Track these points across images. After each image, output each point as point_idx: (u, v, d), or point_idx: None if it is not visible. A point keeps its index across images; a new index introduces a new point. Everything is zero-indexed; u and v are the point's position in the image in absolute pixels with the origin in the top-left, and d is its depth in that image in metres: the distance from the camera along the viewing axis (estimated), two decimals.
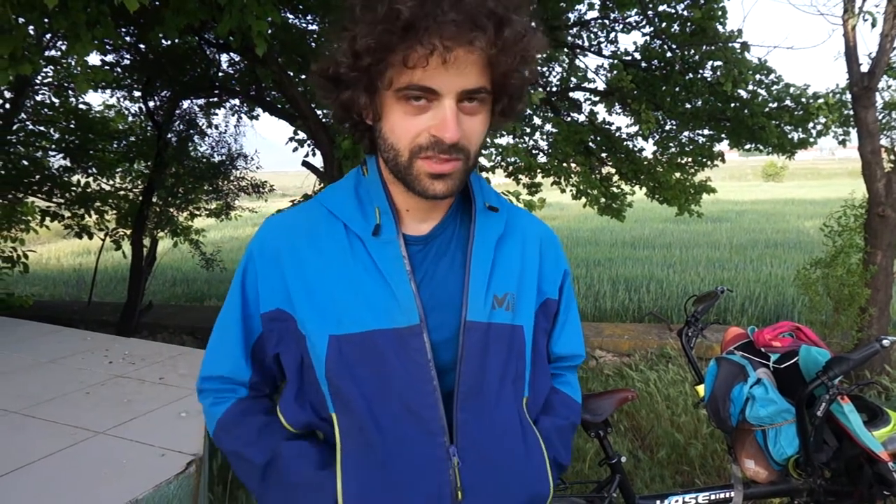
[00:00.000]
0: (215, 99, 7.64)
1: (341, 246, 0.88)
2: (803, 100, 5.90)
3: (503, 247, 0.94)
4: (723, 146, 7.27)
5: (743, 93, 5.93)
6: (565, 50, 6.89)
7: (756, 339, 2.18)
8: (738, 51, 5.53)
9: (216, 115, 8.16)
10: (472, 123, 0.82)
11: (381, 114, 0.82)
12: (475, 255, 0.90)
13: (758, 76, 5.87)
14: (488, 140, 5.73)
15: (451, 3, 0.72)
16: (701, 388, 2.21)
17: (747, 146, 6.71)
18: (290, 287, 0.88)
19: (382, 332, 0.84)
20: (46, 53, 5.86)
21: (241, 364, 0.95)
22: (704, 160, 7.33)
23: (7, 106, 6.28)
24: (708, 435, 3.49)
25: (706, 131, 7.05)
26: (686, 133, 7.26)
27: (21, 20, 2.66)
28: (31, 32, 2.90)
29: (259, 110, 7.86)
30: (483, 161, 5.73)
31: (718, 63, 5.84)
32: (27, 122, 7.03)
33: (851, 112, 4.83)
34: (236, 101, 7.83)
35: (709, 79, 6.11)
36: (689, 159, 7.39)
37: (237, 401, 0.97)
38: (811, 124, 6.05)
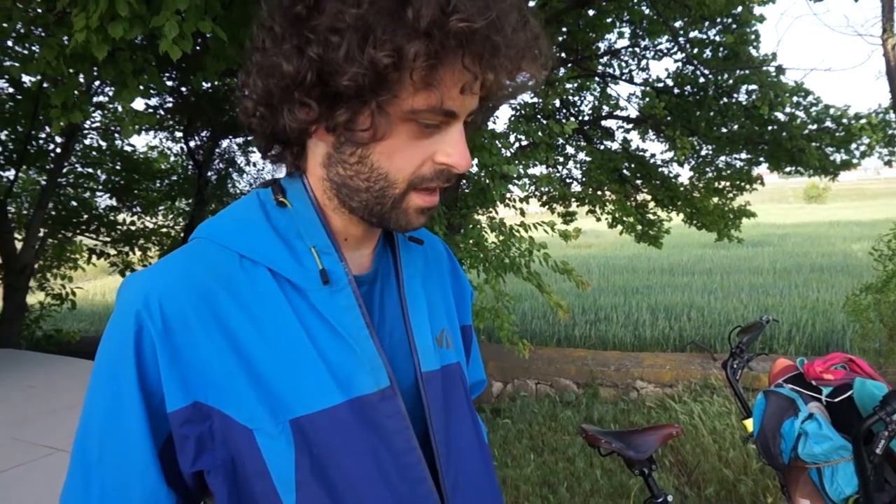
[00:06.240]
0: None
1: (274, 298, 0.65)
2: (844, 120, 5.78)
3: (429, 279, 0.81)
4: (761, 169, 7.14)
5: (780, 115, 5.84)
6: (596, 79, 6.91)
7: (806, 372, 2.09)
8: (774, 74, 5.46)
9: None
10: None
11: (380, 135, 0.63)
12: (409, 297, 0.75)
13: (795, 98, 5.78)
14: (521, 170, 5.73)
15: (519, 21, 0.60)
16: (749, 423, 2.13)
17: (787, 169, 6.57)
18: (214, 366, 0.62)
19: (350, 403, 0.65)
20: (94, 100, 6.16)
21: (158, 488, 0.64)
22: (743, 184, 7.21)
23: (58, 150, 6.60)
24: (758, 471, 3.34)
25: (743, 155, 6.95)
26: (723, 157, 7.17)
27: (71, 71, 2.79)
28: (81, 81, 3.04)
29: None
30: (517, 191, 5.74)
31: (753, 87, 5.77)
32: (76, 165, 7.37)
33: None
34: None
35: (744, 103, 6.04)
36: (727, 184, 7.28)
37: None
38: (854, 145, 5.90)
